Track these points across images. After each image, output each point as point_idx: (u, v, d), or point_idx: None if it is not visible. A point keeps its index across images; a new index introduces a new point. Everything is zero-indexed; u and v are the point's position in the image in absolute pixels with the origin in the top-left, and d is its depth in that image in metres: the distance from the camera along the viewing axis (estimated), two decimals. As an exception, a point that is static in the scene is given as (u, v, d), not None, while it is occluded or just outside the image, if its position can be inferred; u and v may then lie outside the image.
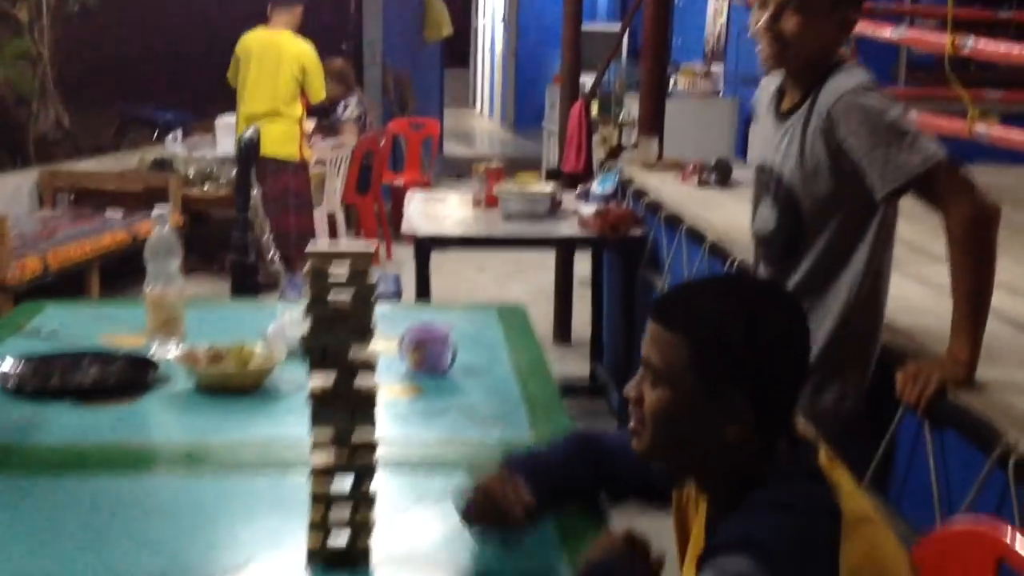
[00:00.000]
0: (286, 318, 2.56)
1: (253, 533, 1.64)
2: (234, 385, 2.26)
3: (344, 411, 1.50)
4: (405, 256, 8.08)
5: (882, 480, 2.25)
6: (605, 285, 5.11)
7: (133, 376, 2.29)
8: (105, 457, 1.93)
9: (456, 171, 11.04)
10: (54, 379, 2.27)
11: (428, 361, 2.39)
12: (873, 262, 2.21)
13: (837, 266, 2.23)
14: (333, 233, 7.26)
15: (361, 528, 1.53)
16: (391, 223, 8.29)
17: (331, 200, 7.21)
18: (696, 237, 3.70)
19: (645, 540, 1.51)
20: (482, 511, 1.57)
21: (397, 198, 8.48)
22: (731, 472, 1.41)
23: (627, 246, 4.35)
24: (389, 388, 2.30)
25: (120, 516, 1.70)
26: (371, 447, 1.52)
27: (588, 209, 4.54)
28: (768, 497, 1.34)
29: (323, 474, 1.52)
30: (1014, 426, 1.87)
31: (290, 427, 2.08)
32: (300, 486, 1.69)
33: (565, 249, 5.71)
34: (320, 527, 1.52)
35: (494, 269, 7.66)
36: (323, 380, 1.50)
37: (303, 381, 2.27)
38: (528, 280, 7.14)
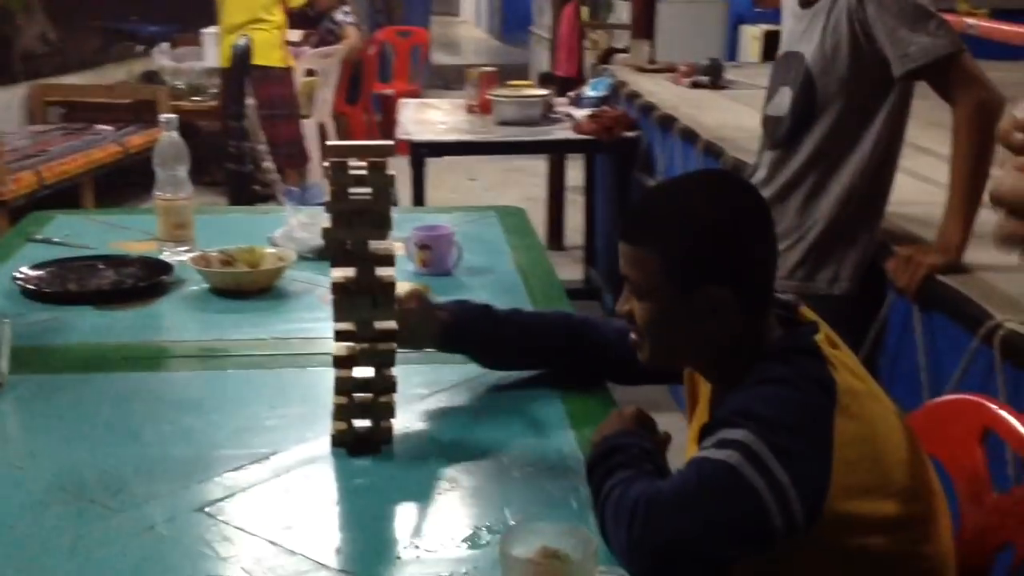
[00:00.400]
0: (294, 221, 2.62)
1: (278, 422, 1.72)
2: (247, 286, 2.33)
3: (366, 301, 1.57)
4: (395, 167, 8.11)
5: (872, 362, 2.34)
6: (598, 189, 5.17)
7: (149, 279, 2.35)
8: (128, 356, 2.00)
9: (444, 80, 11.00)
10: (71, 284, 2.33)
11: (434, 260, 2.46)
12: (879, 148, 2.28)
13: (843, 149, 2.30)
14: (324, 143, 7.28)
15: (383, 412, 1.61)
16: (381, 133, 8.30)
17: (322, 110, 7.21)
18: (690, 137, 3.75)
19: (651, 418, 1.59)
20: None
21: (387, 108, 8.47)
22: (729, 358, 1.48)
23: (621, 148, 4.40)
24: (399, 286, 2.36)
25: (149, 409, 1.77)
26: (391, 334, 1.59)
27: (582, 113, 4.58)
28: (765, 372, 1.40)
29: (346, 362, 1.60)
30: (1001, 306, 1.96)
31: (304, 324, 2.16)
32: (318, 379, 1.80)
33: (558, 155, 5.75)
34: (345, 413, 1.60)
35: (486, 178, 7.70)
36: (345, 273, 1.57)
37: (313, 281, 2.38)
38: (520, 188, 7.18)
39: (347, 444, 1.61)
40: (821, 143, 2.34)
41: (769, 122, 2.47)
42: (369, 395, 1.60)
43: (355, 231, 1.55)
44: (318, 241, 2.55)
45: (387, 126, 8.62)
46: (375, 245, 1.57)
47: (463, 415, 1.74)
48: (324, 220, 2.53)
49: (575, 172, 5.72)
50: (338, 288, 1.56)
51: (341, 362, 1.60)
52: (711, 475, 1.28)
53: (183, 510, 1.45)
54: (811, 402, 1.37)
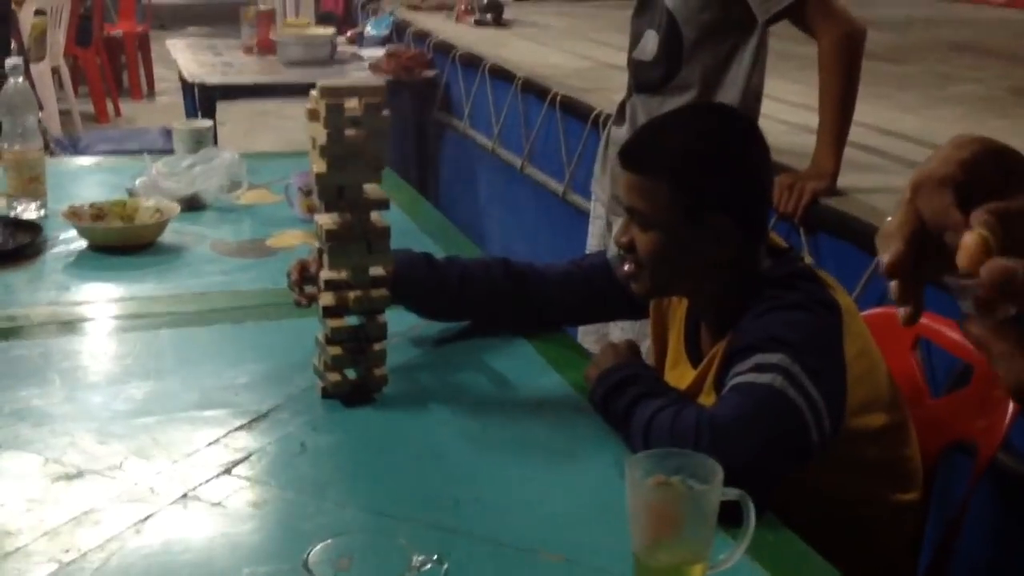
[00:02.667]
0: (154, 171, 2.48)
1: (250, 379, 1.65)
2: (133, 240, 2.20)
3: (360, 247, 1.53)
4: (133, 112, 7.71)
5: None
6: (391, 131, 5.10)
7: (20, 240, 2.18)
8: (44, 321, 1.86)
9: (160, 21, 10.49)
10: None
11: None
12: (751, 85, 2.39)
13: (716, 90, 2.39)
14: (60, 88, 6.81)
15: (378, 360, 1.58)
16: (113, 77, 7.85)
17: (54, 53, 6.73)
18: (502, 75, 3.79)
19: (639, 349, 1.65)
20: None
21: (114, 50, 8.02)
22: (727, 285, 1.55)
23: (419, 89, 4.38)
24: (292, 235, 2.30)
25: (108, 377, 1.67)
26: (384, 280, 1.56)
27: (368, 53, 4.52)
28: (778, 298, 1.48)
29: (338, 311, 1.55)
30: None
31: (213, 277, 2.07)
32: (260, 333, 1.80)
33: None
34: (339, 363, 1.56)
35: (235, 123, 7.44)
36: (334, 219, 1.52)
37: (192, 232, 2.27)
38: (275, 133, 6.99)
39: (341, 395, 1.57)
40: (695, 88, 2.41)
41: (637, 66, 2.52)
42: (360, 344, 1.57)
43: (349, 175, 1.51)
44: (187, 191, 2.44)
45: (117, 69, 8.17)
46: (369, 189, 1.53)
47: (437, 361, 1.73)
48: (187, 170, 2.47)
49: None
50: (332, 235, 1.52)
51: (332, 311, 1.56)
52: (764, 399, 1.35)
53: (209, 472, 1.38)
54: (826, 324, 1.47)
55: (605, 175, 2.60)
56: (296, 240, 2.27)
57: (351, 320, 1.57)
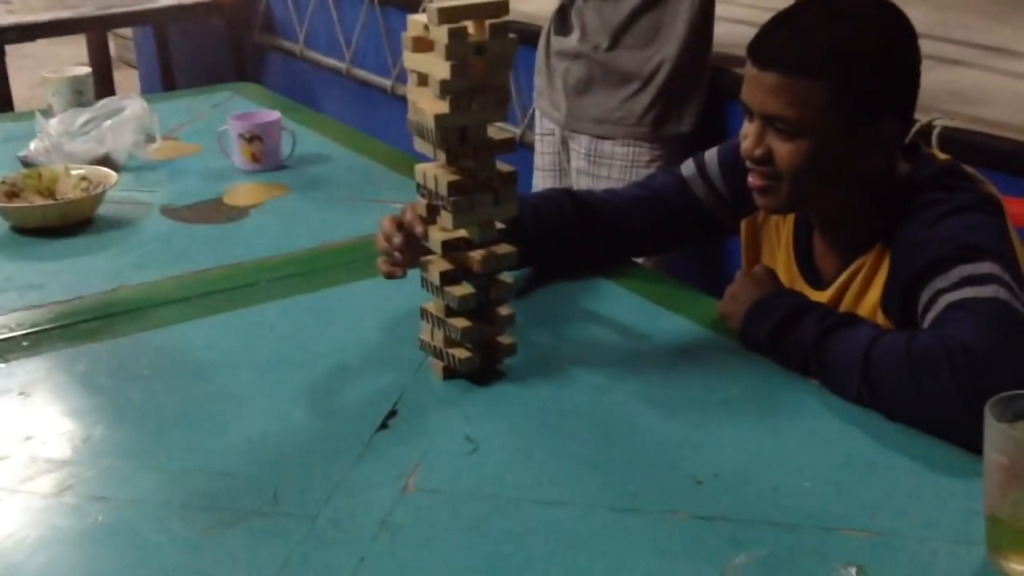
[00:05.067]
0: (50, 129, 2.09)
1: (345, 372, 1.39)
2: (72, 219, 1.83)
3: (487, 199, 1.28)
4: None
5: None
6: (194, 57, 4.61)
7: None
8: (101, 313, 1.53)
9: None
10: None
11: (267, 153, 2.08)
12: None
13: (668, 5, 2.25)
14: None
15: (507, 324, 1.36)
16: None
17: None
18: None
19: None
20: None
21: None
22: (870, 197, 1.40)
23: (235, 11, 3.97)
24: (250, 190, 2.00)
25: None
26: (509, 234, 1.33)
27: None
28: (944, 202, 1.34)
29: (458, 276, 1.31)
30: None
31: (199, 251, 1.76)
32: (314, 303, 1.57)
33: (98, 31, 5.05)
34: (470, 336, 1.32)
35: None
36: (456, 168, 1.27)
37: (133, 201, 1.92)
38: (29, 75, 6.26)
39: (471, 372, 1.34)
40: None
41: None
42: (486, 311, 1.34)
43: (474, 114, 1.25)
44: (97, 151, 2.07)
45: None
46: (493, 130, 1.28)
47: (533, 319, 1.48)
48: (92, 127, 2.09)
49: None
50: (457, 187, 1.26)
51: (452, 277, 1.31)
52: (1001, 314, 1.22)
53: (384, 496, 1.13)
54: (1001, 222, 1.36)
55: (553, 89, 2.39)
56: (262, 195, 1.97)
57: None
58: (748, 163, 1.40)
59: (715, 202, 1.59)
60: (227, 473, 1.17)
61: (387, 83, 3.43)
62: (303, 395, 1.33)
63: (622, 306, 1.54)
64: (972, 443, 1.16)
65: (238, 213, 1.90)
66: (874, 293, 1.41)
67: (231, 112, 2.18)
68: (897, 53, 1.35)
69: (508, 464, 1.18)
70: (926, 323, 1.27)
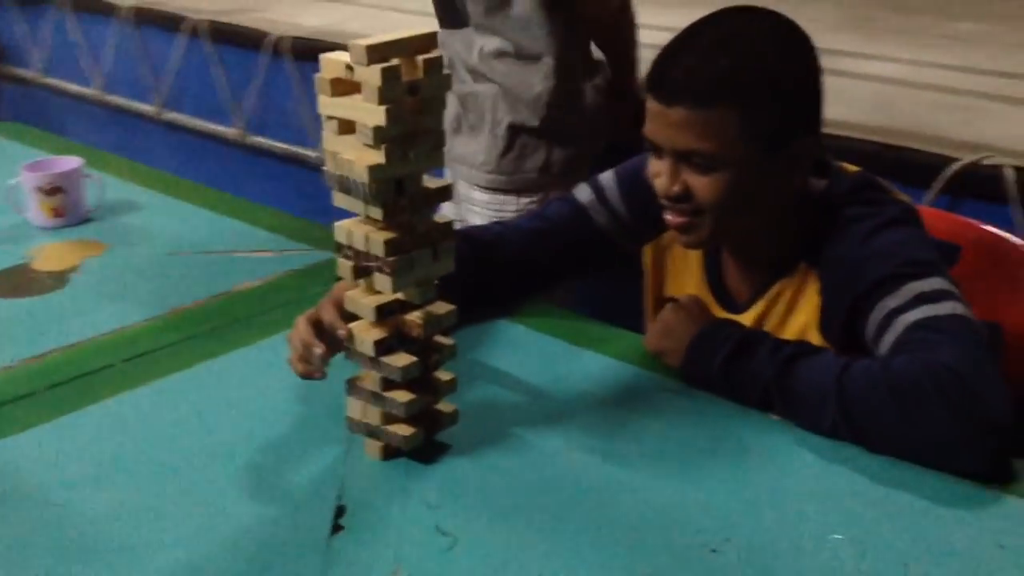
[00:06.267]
0: None
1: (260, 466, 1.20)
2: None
3: (426, 255, 1.13)
4: None
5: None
6: None
7: None
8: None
9: None
10: None
11: (70, 206, 1.83)
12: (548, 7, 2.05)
13: (511, 19, 2.02)
14: None
15: (449, 388, 1.21)
16: None
17: None
18: (99, 8, 3.15)
19: None
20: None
21: None
22: (790, 218, 1.35)
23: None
24: (61, 250, 1.75)
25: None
26: (447, 288, 1.19)
27: None
28: (870, 217, 1.30)
29: (395, 343, 1.16)
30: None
31: (35, 333, 1.51)
32: (189, 388, 1.33)
33: None
34: (414, 408, 1.17)
35: None
36: (394, 224, 1.11)
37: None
38: None
39: (415, 449, 1.19)
40: (487, 12, 2.03)
41: None
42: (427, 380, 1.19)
43: (412, 162, 1.10)
44: None
45: None
46: (429, 178, 1.14)
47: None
48: None
49: None
50: (395, 246, 1.11)
51: (388, 346, 1.15)
52: (965, 330, 1.19)
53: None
54: (925, 234, 1.34)
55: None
56: (76, 255, 1.73)
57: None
58: (664, 201, 1.31)
59: (617, 228, 1.50)
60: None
61: (151, 109, 3.14)
62: (215, 506, 1.13)
63: (541, 351, 1.43)
64: (969, 469, 1.13)
65: (54, 280, 1.64)
66: (802, 315, 1.36)
67: (10, 159, 1.90)
68: (802, 69, 1.29)
69: (498, 559, 1.04)
70: (883, 344, 1.23)
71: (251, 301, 1.57)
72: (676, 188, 1.29)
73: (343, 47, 1.08)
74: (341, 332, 1.18)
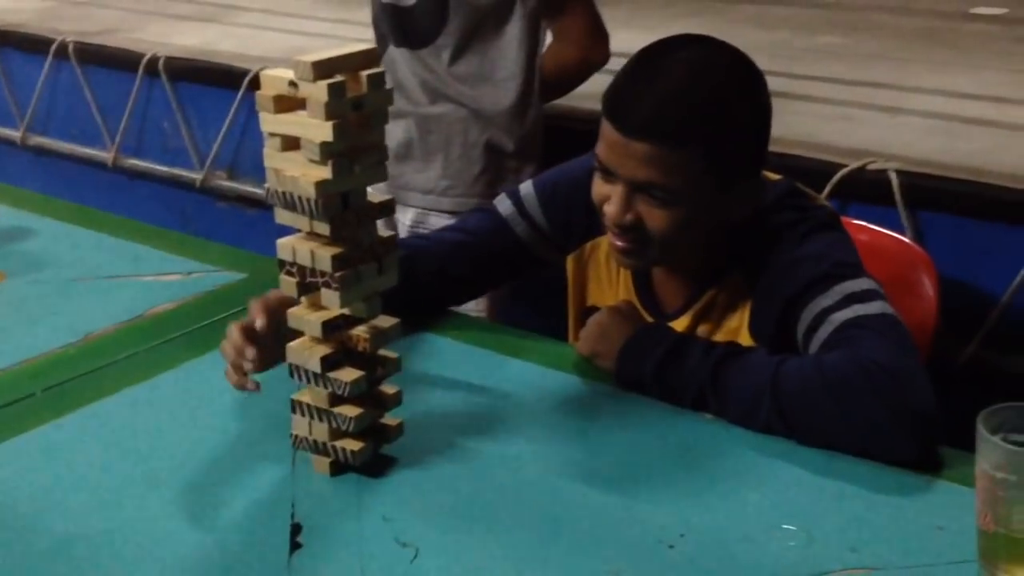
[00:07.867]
0: None
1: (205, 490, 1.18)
2: None
3: (372, 270, 1.14)
4: None
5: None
6: None
7: None
8: None
9: None
10: None
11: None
12: (530, 33, 2.07)
13: (495, 41, 2.05)
14: None
15: (394, 402, 1.21)
16: None
17: None
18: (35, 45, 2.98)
19: None
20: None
21: None
22: (728, 236, 1.38)
23: None
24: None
25: None
26: (390, 302, 1.19)
27: None
28: (799, 223, 1.35)
29: (341, 358, 1.16)
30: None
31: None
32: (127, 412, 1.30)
33: None
34: (363, 423, 1.17)
35: None
36: (340, 239, 1.11)
37: None
38: None
39: (364, 464, 1.19)
40: (470, 41, 2.04)
41: (395, 14, 2.07)
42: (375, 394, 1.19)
43: (357, 177, 1.10)
44: None
45: None
46: (372, 192, 1.14)
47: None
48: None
49: None
50: (342, 260, 1.11)
51: (335, 361, 1.15)
52: (893, 327, 1.25)
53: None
54: (849, 237, 1.40)
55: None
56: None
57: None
58: (612, 227, 1.34)
59: (538, 240, 1.53)
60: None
61: (15, 134, 3.03)
62: (161, 532, 1.10)
63: (470, 362, 1.44)
64: (901, 458, 1.19)
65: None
66: (735, 320, 1.40)
67: None
68: (759, 106, 1.33)
69: (463, 565, 1.05)
70: (815, 343, 1.28)
71: (167, 324, 1.54)
72: (629, 217, 1.31)
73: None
74: (261, 324, 1.24)
